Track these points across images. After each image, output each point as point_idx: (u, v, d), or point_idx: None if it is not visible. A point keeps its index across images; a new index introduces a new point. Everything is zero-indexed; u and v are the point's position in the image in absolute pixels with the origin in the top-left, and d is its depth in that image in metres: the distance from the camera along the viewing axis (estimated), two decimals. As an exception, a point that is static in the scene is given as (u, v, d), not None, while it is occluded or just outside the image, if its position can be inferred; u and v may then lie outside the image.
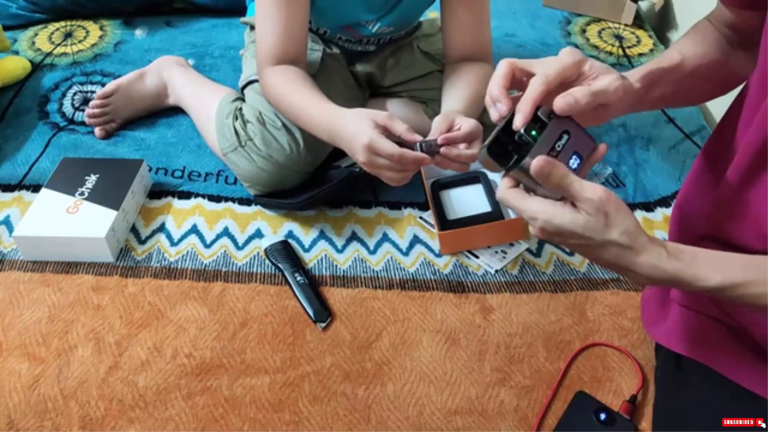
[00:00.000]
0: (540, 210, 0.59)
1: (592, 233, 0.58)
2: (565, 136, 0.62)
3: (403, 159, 0.81)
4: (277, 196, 1.05)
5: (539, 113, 0.62)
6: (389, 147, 0.81)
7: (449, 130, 0.86)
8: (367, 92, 1.19)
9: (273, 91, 0.98)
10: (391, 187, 1.10)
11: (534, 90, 0.62)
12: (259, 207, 1.08)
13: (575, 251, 0.63)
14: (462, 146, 0.85)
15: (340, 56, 1.13)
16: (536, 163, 0.58)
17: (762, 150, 0.67)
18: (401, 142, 0.83)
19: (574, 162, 0.62)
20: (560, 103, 0.61)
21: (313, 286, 0.94)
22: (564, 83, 0.64)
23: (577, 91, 0.62)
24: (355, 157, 0.86)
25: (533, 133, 0.61)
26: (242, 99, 1.12)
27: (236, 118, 1.05)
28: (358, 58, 1.16)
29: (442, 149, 0.83)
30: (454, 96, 0.97)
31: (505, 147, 0.62)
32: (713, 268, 0.60)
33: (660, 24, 1.62)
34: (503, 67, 0.64)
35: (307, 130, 0.96)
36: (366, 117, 0.84)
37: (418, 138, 0.83)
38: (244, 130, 1.03)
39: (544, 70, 0.64)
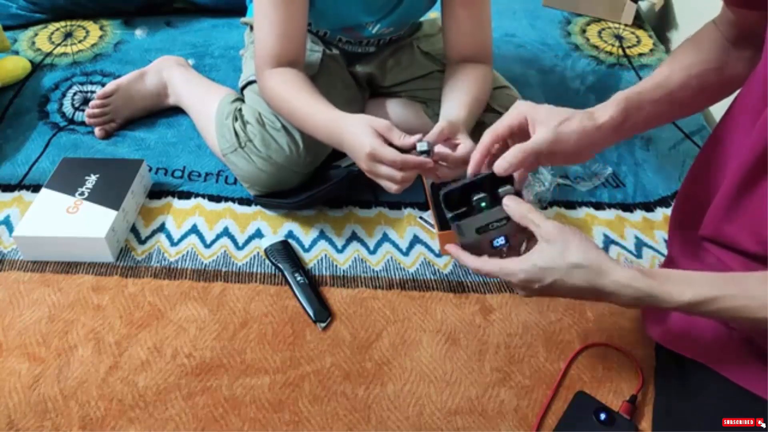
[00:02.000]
0: (514, 265, 0.67)
1: (556, 260, 0.64)
2: (505, 221, 0.71)
3: (406, 164, 0.82)
4: (277, 195, 1.05)
5: (501, 192, 0.71)
6: (391, 154, 0.82)
7: (448, 140, 0.87)
8: (367, 92, 1.19)
9: (272, 94, 0.98)
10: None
11: (483, 141, 0.73)
12: (259, 207, 1.08)
13: (553, 293, 0.67)
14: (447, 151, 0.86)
15: (339, 57, 1.13)
16: (506, 200, 0.70)
17: (762, 156, 0.67)
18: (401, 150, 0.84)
19: (498, 241, 0.71)
20: (498, 166, 0.70)
21: (313, 286, 0.94)
22: (520, 132, 0.73)
23: (509, 154, 0.70)
24: (358, 163, 0.87)
25: (483, 204, 0.71)
26: (242, 99, 1.12)
27: (236, 119, 1.05)
28: (358, 59, 1.16)
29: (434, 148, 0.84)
30: (455, 101, 0.97)
31: (456, 200, 0.71)
32: (686, 284, 0.63)
33: (660, 24, 1.62)
34: (484, 139, 0.74)
35: (307, 133, 0.97)
36: (366, 125, 0.85)
37: (415, 138, 0.83)
38: (244, 132, 1.03)
39: (492, 126, 0.74)
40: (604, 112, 0.73)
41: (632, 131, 0.76)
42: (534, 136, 0.71)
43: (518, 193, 0.72)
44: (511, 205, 0.70)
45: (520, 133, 0.73)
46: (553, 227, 0.66)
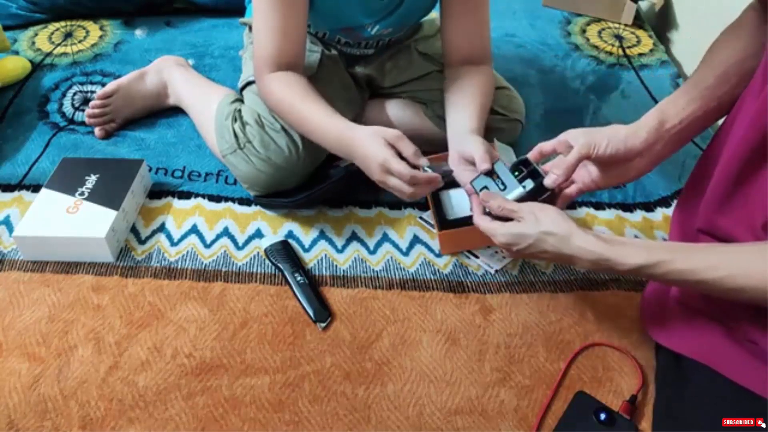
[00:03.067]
0: (497, 228, 0.79)
1: (530, 229, 0.76)
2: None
3: (415, 179, 0.84)
4: (277, 195, 1.05)
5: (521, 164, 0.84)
6: (401, 168, 0.84)
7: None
8: (367, 93, 1.18)
9: (274, 99, 0.98)
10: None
11: (532, 152, 0.84)
12: (259, 207, 1.08)
13: (531, 255, 0.78)
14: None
15: (338, 58, 1.13)
16: (482, 195, 0.83)
17: (755, 147, 0.67)
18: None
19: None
20: (548, 178, 0.81)
21: (313, 286, 0.94)
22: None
23: (554, 165, 0.81)
24: (369, 174, 0.88)
25: (515, 174, 0.84)
26: (241, 100, 1.11)
27: (235, 120, 1.05)
28: (357, 61, 1.16)
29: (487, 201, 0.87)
30: (465, 113, 0.98)
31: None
32: (640, 248, 0.71)
33: (660, 24, 1.62)
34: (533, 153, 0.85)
35: (311, 140, 0.97)
36: (379, 136, 0.86)
37: (424, 162, 0.86)
38: (243, 133, 1.03)
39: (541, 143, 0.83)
40: (641, 120, 0.80)
41: (677, 138, 0.80)
42: (575, 146, 0.79)
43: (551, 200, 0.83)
44: (488, 200, 0.81)
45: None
46: (526, 207, 0.78)
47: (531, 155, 0.84)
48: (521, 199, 0.82)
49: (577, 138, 0.80)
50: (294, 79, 0.97)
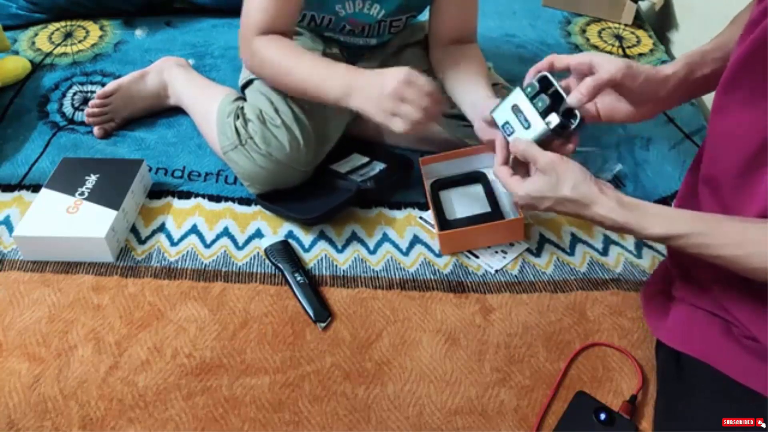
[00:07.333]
0: (516, 187, 0.77)
1: (548, 191, 0.74)
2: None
3: (436, 95, 0.84)
4: (284, 199, 1.05)
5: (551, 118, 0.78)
6: (425, 80, 0.83)
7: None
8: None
9: (261, 56, 0.97)
10: (392, 189, 1.10)
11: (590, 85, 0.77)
12: (259, 207, 1.08)
13: (549, 211, 0.77)
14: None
15: (340, 56, 1.13)
16: (512, 145, 0.80)
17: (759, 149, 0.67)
18: None
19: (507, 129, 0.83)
20: (572, 97, 0.77)
21: (313, 286, 0.94)
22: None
23: (582, 85, 0.77)
24: (382, 89, 0.85)
25: (539, 104, 0.79)
26: (243, 99, 1.12)
27: (237, 117, 1.05)
28: (361, 55, 1.16)
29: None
30: (480, 83, 1.00)
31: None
32: (661, 219, 0.70)
33: (660, 24, 1.62)
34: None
35: (314, 95, 0.95)
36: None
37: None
38: (245, 129, 1.03)
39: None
40: (669, 66, 0.78)
41: (698, 89, 0.80)
42: (606, 67, 0.75)
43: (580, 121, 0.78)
44: (513, 143, 0.80)
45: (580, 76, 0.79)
46: (549, 161, 0.74)
47: (541, 65, 0.80)
48: (547, 138, 0.78)
49: (603, 64, 0.76)
50: (286, 40, 0.97)
